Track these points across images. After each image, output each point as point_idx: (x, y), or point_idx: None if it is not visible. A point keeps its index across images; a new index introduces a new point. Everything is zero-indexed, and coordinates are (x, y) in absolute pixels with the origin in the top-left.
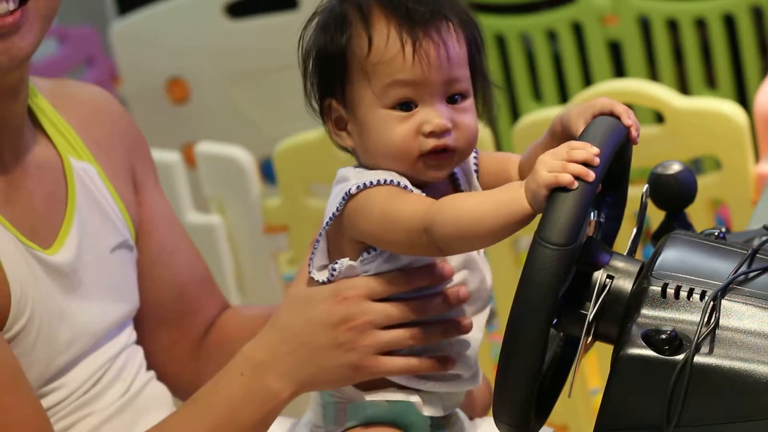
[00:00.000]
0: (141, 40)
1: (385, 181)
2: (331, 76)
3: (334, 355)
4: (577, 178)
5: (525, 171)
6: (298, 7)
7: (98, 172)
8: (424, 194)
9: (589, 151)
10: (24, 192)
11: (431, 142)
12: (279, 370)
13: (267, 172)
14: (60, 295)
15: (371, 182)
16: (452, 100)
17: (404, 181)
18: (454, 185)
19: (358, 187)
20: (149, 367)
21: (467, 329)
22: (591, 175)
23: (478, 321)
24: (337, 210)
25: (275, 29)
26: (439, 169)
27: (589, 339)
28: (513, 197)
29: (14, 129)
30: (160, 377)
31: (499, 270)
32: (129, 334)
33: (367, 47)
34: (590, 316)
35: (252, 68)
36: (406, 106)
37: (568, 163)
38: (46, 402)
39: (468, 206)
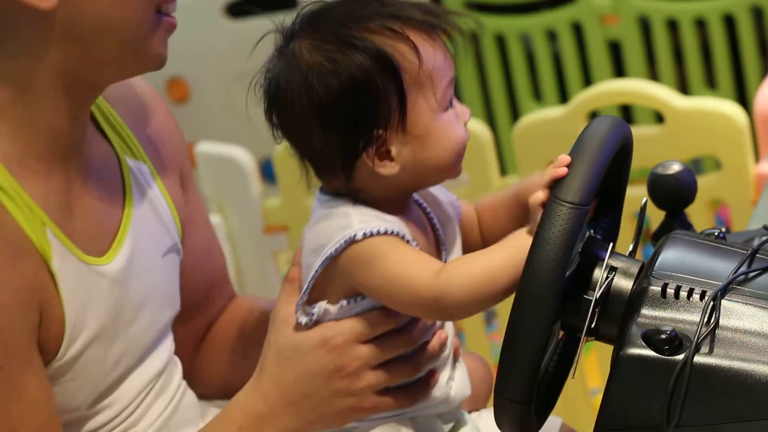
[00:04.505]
0: None
1: (391, 231)
2: (379, 105)
3: (332, 403)
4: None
5: (484, 214)
6: (298, 7)
7: (151, 171)
8: (423, 251)
9: (556, 166)
10: (85, 199)
11: (466, 131)
12: (278, 422)
13: (267, 172)
14: (115, 305)
15: (377, 230)
16: None
17: (407, 234)
18: (425, 214)
19: (364, 234)
20: None
21: (446, 339)
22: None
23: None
24: (336, 251)
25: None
26: None
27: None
28: (523, 244)
29: (81, 132)
30: None
31: None
32: (170, 342)
33: (416, 59)
34: (590, 316)
35: (252, 68)
36: (451, 103)
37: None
38: (95, 422)
39: (478, 266)
